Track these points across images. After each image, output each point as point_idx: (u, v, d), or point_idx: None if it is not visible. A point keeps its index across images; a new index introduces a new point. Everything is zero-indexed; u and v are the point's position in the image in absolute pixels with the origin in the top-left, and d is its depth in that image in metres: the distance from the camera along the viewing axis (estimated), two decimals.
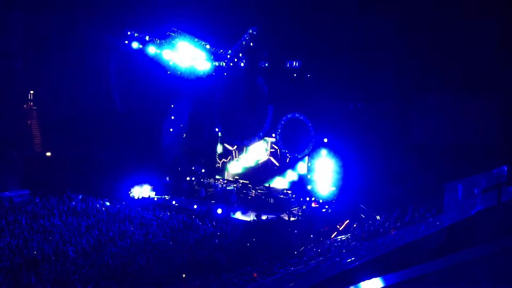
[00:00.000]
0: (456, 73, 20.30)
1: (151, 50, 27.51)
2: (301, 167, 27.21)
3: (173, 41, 27.07)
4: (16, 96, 32.42)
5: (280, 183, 27.95)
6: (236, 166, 30.35)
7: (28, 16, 30.19)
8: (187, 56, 27.33)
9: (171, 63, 27.92)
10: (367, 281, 4.68)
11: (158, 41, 27.42)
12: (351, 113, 24.75)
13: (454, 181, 17.41)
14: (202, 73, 27.27)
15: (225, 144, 30.74)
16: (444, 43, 20.56)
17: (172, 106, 30.70)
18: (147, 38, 27.32)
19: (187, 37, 26.94)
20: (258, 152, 29.24)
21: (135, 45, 27.31)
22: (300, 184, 27.01)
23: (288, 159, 27.60)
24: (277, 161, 28.42)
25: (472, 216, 17.49)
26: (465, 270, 4.72)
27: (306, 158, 26.73)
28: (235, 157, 30.38)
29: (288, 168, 27.85)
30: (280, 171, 28.16)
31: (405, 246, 15.81)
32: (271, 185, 27.67)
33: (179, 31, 27.02)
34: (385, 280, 4.61)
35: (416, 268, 4.77)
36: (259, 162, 29.15)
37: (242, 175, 29.62)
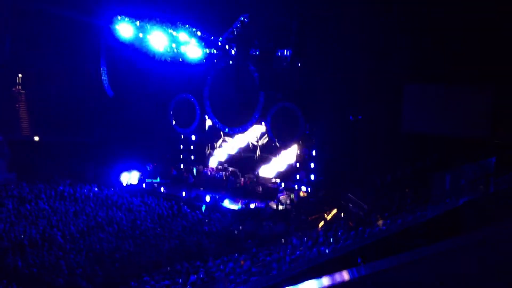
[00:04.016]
0: (447, 63, 20.34)
1: (142, 35, 27.20)
2: (290, 155, 27.19)
3: (163, 27, 26.79)
4: (4, 79, 32.13)
5: (268, 171, 27.94)
6: (225, 154, 30.32)
7: None
8: (176, 42, 27.08)
9: (161, 49, 27.64)
10: (352, 268, 4.68)
11: (149, 27, 27.11)
12: (340, 102, 24.75)
13: (441, 171, 17.52)
14: (192, 60, 26.99)
15: (216, 131, 30.61)
16: (437, 34, 20.59)
17: (162, 92, 30.44)
18: (137, 23, 27.00)
19: (178, 23, 26.67)
20: (249, 139, 29.22)
21: (125, 30, 26.98)
22: (289, 173, 27.04)
23: (277, 147, 27.54)
24: (267, 149, 28.38)
25: (459, 207, 17.63)
26: (449, 259, 4.76)
27: (295, 146, 26.71)
28: (226, 144, 30.34)
29: (277, 156, 27.84)
30: (269, 160, 28.16)
31: (390, 235, 15.91)
32: (260, 174, 27.65)
33: (169, 17, 26.75)
34: (368, 267, 4.63)
35: (400, 257, 4.78)
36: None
37: (231, 163, 29.56)
